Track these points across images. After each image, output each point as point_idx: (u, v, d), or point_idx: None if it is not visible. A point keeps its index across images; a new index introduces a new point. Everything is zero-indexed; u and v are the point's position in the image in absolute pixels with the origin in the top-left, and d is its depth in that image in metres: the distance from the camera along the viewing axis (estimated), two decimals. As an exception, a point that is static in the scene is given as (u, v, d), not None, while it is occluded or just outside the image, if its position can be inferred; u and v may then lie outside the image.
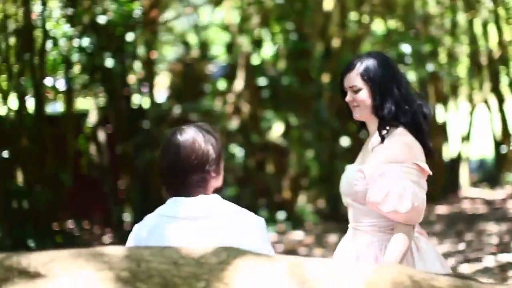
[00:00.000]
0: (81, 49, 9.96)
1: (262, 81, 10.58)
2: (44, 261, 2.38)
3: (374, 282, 2.34)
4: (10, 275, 2.34)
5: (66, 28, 9.76)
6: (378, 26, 10.90)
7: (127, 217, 9.62)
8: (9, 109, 9.48)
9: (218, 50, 11.81)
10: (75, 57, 10.07)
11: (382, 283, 2.34)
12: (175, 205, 3.02)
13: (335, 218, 10.05)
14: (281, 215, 10.03)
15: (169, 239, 2.97)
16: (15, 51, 9.56)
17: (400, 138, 3.36)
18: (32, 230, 8.86)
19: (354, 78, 3.46)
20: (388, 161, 3.34)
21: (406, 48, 9.95)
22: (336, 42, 10.41)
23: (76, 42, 9.91)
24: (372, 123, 3.48)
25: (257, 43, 10.70)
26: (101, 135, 10.47)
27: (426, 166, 3.37)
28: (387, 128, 3.39)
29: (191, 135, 3.03)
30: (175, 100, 11.17)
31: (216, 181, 3.08)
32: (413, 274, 2.40)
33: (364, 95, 3.43)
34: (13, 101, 9.63)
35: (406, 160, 3.32)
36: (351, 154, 10.58)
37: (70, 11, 9.89)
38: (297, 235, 9.67)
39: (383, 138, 3.38)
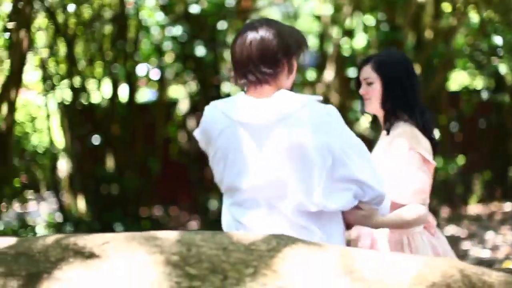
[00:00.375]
0: (173, 38, 10.09)
1: (352, 72, 10.50)
2: (99, 243, 2.44)
3: (423, 274, 2.32)
4: (66, 255, 2.42)
5: (159, 17, 9.91)
6: (473, 17, 10.67)
7: (213, 204, 9.72)
8: (102, 97, 9.73)
9: (309, 40, 11.77)
10: (167, 45, 10.21)
11: (431, 276, 2.32)
12: (243, 107, 3.02)
13: (421, 212, 9.92)
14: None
15: (240, 145, 3.03)
16: (110, 39, 9.79)
17: (402, 129, 3.41)
18: (120, 215, 9.07)
19: (369, 72, 3.51)
20: (390, 153, 3.41)
21: (498, 39, 9.72)
22: (428, 33, 10.24)
23: (168, 31, 10.04)
24: (382, 117, 3.55)
25: (349, 34, 10.63)
26: (191, 123, 10.59)
27: (429, 156, 3.40)
28: (392, 122, 3.46)
29: (262, 27, 3.04)
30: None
31: (287, 79, 3.09)
32: (464, 268, 2.37)
33: (376, 89, 3.49)
34: (106, 89, 9.87)
35: (407, 149, 3.37)
36: (441, 147, 10.45)
37: (163, 0, 10.03)
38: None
39: (388, 132, 3.46)
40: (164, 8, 10.02)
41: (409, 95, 3.46)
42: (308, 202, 2.93)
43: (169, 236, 2.45)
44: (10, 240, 2.54)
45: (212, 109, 3.16)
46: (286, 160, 2.94)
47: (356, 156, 2.99)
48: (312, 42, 11.60)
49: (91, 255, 2.41)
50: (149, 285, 2.30)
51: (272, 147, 2.97)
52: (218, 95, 10.65)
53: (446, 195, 10.52)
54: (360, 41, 10.76)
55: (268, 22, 3.08)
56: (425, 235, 3.50)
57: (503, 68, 10.31)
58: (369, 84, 3.50)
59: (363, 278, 2.31)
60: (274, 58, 3.01)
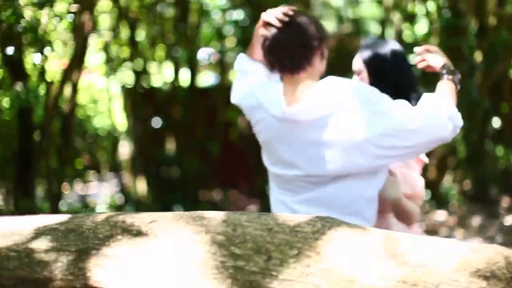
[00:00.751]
0: (234, 22, 10.09)
1: (413, 58, 10.36)
2: (146, 221, 2.49)
3: (468, 260, 2.31)
4: (114, 232, 2.47)
5: (220, 1, 9.95)
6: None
7: (270, 189, 9.75)
8: (164, 80, 9.83)
9: (370, 26, 11.68)
10: (228, 30, 10.24)
11: (476, 262, 2.31)
12: (281, 100, 3.15)
13: (481, 200, 9.84)
14: (426, 195, 9.86)
15: (277, 137, 3.19)
16: (171, 23, 9.87)
17: None
18: (180, 197, 9.17)
19: (358, 62, 3.51)
20: None
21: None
22: (492, 20, 10.07)
23: (229, 15, 10.06)
24: None
25: (410, 20, 10.50)
26: (250, 107, 10.61)
27: (424, 157, 3.51)
28: None
29: (295, 15, 3.18)
30: (325, 74, 11.09)
31: (320, 66, 3.23)
32: (509, 255, 2.35)
33: (363, 80, 3.48)
34: (167, 72, 9.97)
35: None
36: (502, 136, 10.30)
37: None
38: (440, 215, 9.51)
39: None
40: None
41: (401, 86, 3.44)
42: None
43: (215, 216, 2.49)
44: (62, 217, 2.61)
45: (251, 93, 3.23)
46: (326, 154, 3.06)
47: (399, 139, 3.03)
48: (374, 28, 11.51)
49: (138, 233, 2.46)
50: (195, 264, 2.34)
51: (310, 141, 3.08)
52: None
53: (506, 184, 10.39)
54: (421, 27, 10.63)
55: (298, 11, 3.21)
56: (400, 226, 3.51)
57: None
58: (358, 74, 3.51)
59: (407, 262, 2.32)
60: (310, 43, 3.13)
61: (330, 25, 12.53)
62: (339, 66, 11.21)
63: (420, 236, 2.49)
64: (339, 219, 2.50)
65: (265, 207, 9.62)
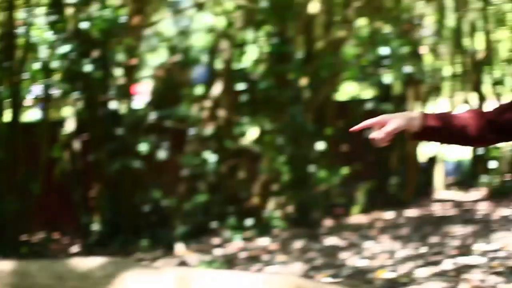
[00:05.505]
0: (62, 56, 9.69)
1: (241, 86, 10.41)
2: None
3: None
4: None
5: (48, 35, 9.58)
6: (364, 28, 10.79)
7: (96, 226, 9.47)
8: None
9: (200, 55, 11.58)
10: (56, 64, 9.80)
11: None
12: None
13: (304, 224, 10.14)
14: (249, 221, 10.10)
15: None
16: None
17: None
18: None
19: None
20: None
21: (385, 50, 9.93)
22: (319, 45, 10.21)
23: (59, 49, 9.67)
24: None
25: (240, 47, 10.50)
26: (76, 143, 10.21)
27: None
28: None
29: None
30: (153, 106, 10.87)
31: None
32: (301, 283, 2.33)
33: None
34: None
35: None
36: (326, 158, 10.47)
37: (53, 18, 9.68)
38: (263, 241, 9.64)
39: None
40: (54, 26, 9.67)
41: None
42: None
43: (3, 267, 2.28)
44: None
45: None
46: None
47: None
48: (204, 57, 11.44)
49: None
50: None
51: None
52: (105, 114, 10.25)
53: (328, 206, 10.81)
54: (251, 54, 10.63)
55: None
56: None
57: (387, 78, 10.60)
58: None
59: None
60: None
61: (161, 56, 12.38)
62: (169, 97, 11.06)
63: (216, 272, 2.39)
64: (131, 261, 2.29)
65: (87, 246, 9.29)
